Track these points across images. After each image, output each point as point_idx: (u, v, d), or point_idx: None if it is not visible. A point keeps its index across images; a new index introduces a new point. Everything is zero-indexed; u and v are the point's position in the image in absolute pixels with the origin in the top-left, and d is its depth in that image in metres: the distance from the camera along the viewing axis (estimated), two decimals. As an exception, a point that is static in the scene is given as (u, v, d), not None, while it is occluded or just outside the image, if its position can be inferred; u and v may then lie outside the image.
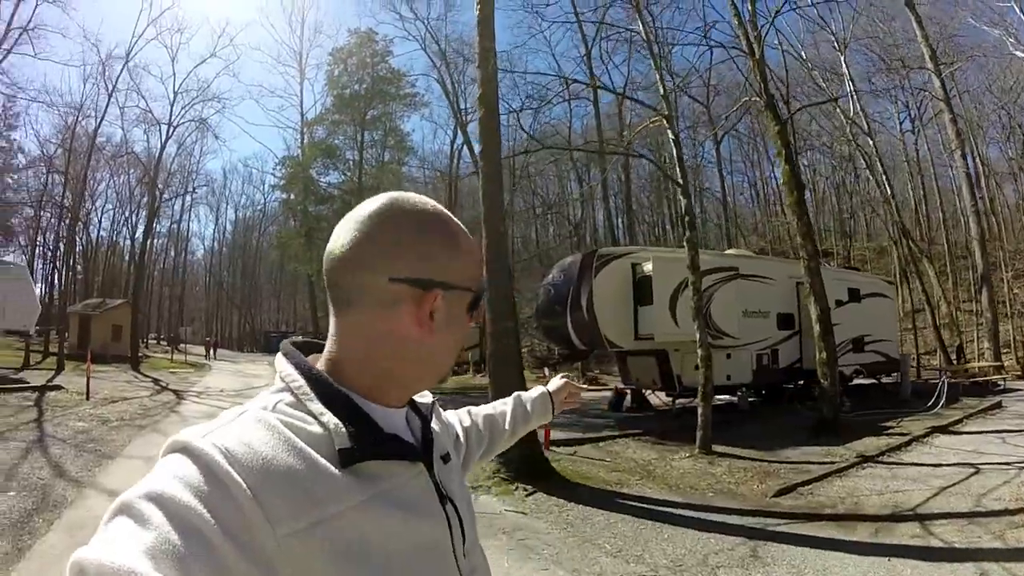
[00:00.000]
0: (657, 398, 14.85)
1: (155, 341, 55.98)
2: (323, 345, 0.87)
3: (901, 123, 35.14)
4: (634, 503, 7.10)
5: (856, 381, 16.82)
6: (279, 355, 0.85)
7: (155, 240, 55.37)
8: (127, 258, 53.13)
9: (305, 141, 31.18)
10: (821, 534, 5.97)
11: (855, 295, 16.65)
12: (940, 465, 8.73)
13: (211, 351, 43.73)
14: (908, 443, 10.25)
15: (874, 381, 17.81)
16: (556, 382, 1.67)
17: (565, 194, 50.57)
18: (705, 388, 9.78)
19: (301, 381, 0.78)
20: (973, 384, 18.18)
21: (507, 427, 1.46)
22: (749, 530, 6.09)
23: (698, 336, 9.97)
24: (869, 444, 10.19)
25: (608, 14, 16.82)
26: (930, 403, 13.79)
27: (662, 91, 11.30)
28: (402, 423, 0.87)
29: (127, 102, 34.48)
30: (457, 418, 1.32)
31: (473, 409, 1.43)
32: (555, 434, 10.08)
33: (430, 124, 58.48)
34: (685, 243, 10.39)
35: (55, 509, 6.11)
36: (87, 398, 14.50)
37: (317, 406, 0.75)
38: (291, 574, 0.63)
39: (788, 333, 15.22)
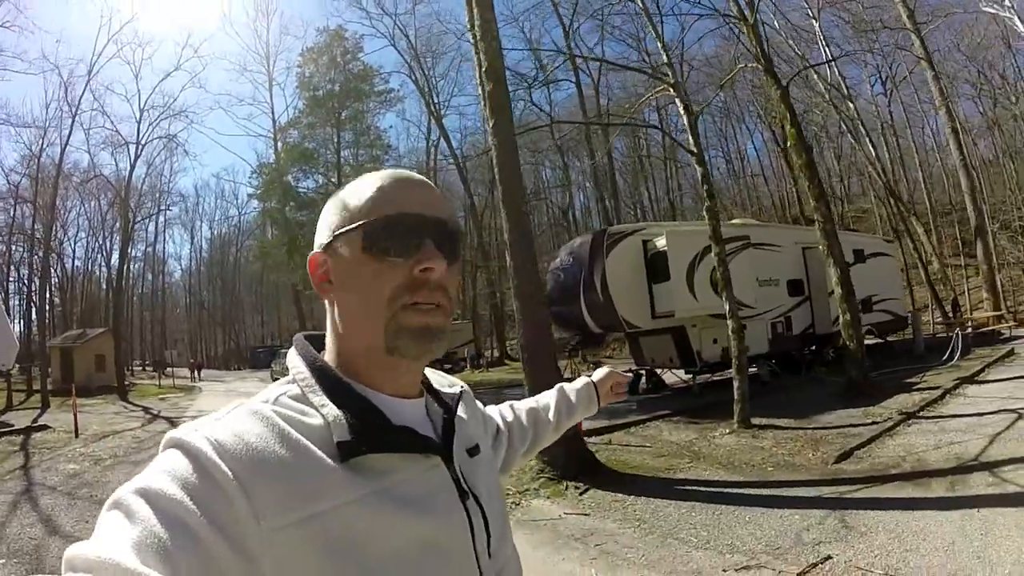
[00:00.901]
0: (675, 376, 14.49)
1: (140, 368, 54.98)
2: None
3: (872, 87, 35.23)
4: (697, 488, 6.70)
5: (866, 341, 16.63)
6: (291, 348, 0.85)
7: (131, 265, 54.32)
8: (104, 286, 51.59)
9: (279, 147, 30.29)
10: (900, 495, 5.78)
11: (860, 256, 16.47)
12: (982, 414, 8.60)
13: (195, 372, 42.67)
14: (942, 396, 10.16)
15: (880, 340, 17.61)
16: (601, 372, 1.60)
17: (541, 184, 50.24)
18: (740, 360, 9.45)
19: (306, 373, 0.78)
20: (978, 335, 18.22)
21: (551, 419, 1.40)
22: (827, 500, 5.80)
23: (727, 307, 9.62)
24: (904, 401, 10.07)
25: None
26: (945, 356, 13.94)
27: (666, 59, 10.86)
28: (418, 414, 0.85)
29: (92, 124, 33.32)
30: (499, 412, 1.29)
31: (516, 404, 1.38)
32: (583, 424, 9.66)
33: (403, 123, 57.94)
34: (705, 212, 10.02)
35: (51, 579, 5.41)
36: (76, 436, 13.57)
37: (319, 398, 0.74)
38: (277, 567, 0.61)
39: (799, 299, 14.99)
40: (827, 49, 27.54)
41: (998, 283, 22.48)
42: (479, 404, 1.09)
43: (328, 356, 0.83)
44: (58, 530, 6.67)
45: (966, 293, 26.12)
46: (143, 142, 31.89)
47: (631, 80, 35.68)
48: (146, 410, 20.67)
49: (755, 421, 9.42)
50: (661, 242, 12.21)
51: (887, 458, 7.11)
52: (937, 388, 10.67)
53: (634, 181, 48.74)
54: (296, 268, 27.84)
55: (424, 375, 0.92)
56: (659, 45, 11.09)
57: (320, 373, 0.78)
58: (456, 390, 0.96)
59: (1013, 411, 8.41)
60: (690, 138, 10.18)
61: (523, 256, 7.56)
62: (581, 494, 6.70)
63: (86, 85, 29.61)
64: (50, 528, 6.76)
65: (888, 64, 33.14)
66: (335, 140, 27.80)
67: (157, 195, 45.35)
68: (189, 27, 77.74)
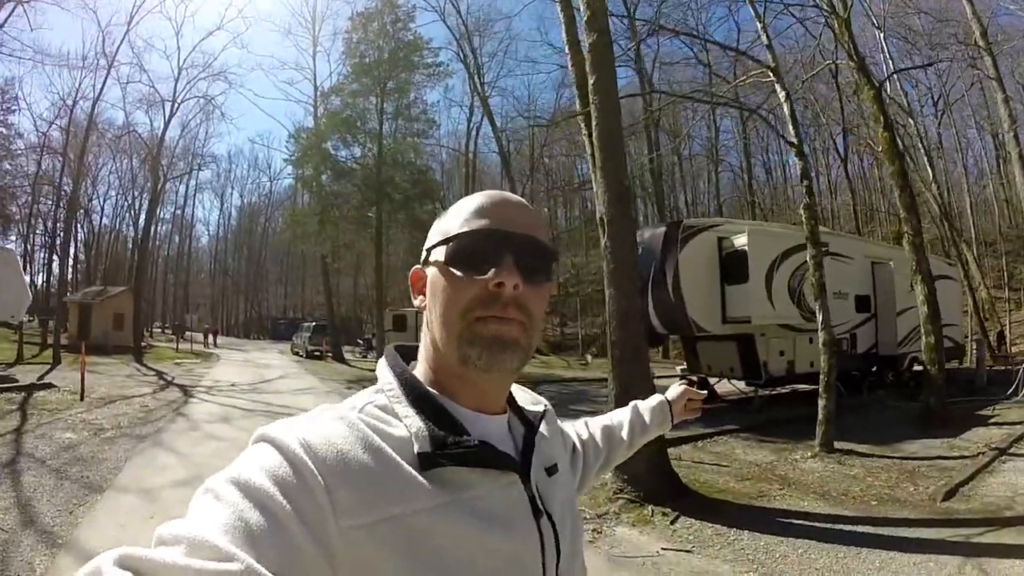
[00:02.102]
0: (732, 386, 13.55)
1: (160, 330, 54.67)
2: None
3: (923, 107, 34.13)
4: (802, 522, 5.88)
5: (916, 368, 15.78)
6: (381, 360, 0.88)
7: (159, 226, 54.16)
8: (131, 246, 50.81)
9: (320, 113, 29.26)
10: (1026, 541, 5.22)
11: (929, 277, 15.49)
12: (1075, 455, 8.04)
13: (208, 338, 41.82)
14: (1027, 433, 9.48)
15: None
16: (675, 390, 1.57)
17: (575, 176, 49.37)
18: (829, 378, 8.63)
19: (394, 384, 0.81)
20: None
21: (625, 438, 1.38)
22: (954, 545, 5.18)
23: (820, 317, 8.81)
24: (984, 435, 9.50)
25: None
26: (1011, 391, 13.13)
27: (766, 41, 9.99)
28: (500, 430, 0.86)
29: (129, 79, 32.75)
30: (574, 430, 1.28)
31: (590, 421, 1.37)
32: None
33: (445, 101, 56.42)
34: (803, 211, 9.17)
35: (15, 591, 4.32)
36: (81, 398, 12.73)
37: (404, 409, 0.77)
38: (349, 565, 0.63)
39: (865, 316, 14.04)
40: (891, 60, 26.51)
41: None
42: (560, 423, 1.09)
43: (418, 367, 0.87)
44: (35, 520, 5.54)
45: (1008, 326, 25.26)
46: (179, 100, 31.31)
47: (675, 78, 34.78)
48: (160, 375, 19.89)
49: (837, 445, 8.67)
50: (740, 240, 11.28)
51: (995, 498, 6.51)
52: (1019, 424, 9.95)
53: (671, 181, 47.87)
54: (326, 239, 27.11)
55: (509, 392, 0.92)
56: (758, 25, 10.17)
57: (406, 384, 0.81)
58: (540, 408, 0.97)
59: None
60: (790, 127, 9.30)
61: (623, 236, 6.62)
62: (671, 523, 5.80)
63: (124, 35, 29.05)
64: (26, 517, 5.62)
65: (942, 84, 32.13)
66: (378, 110, 26.48)
67: (190, 157, 44.57)
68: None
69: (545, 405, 1.00)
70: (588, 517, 5.83)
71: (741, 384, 13.12)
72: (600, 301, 37.82)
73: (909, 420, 10.69)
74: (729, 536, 5.41)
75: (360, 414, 0.75)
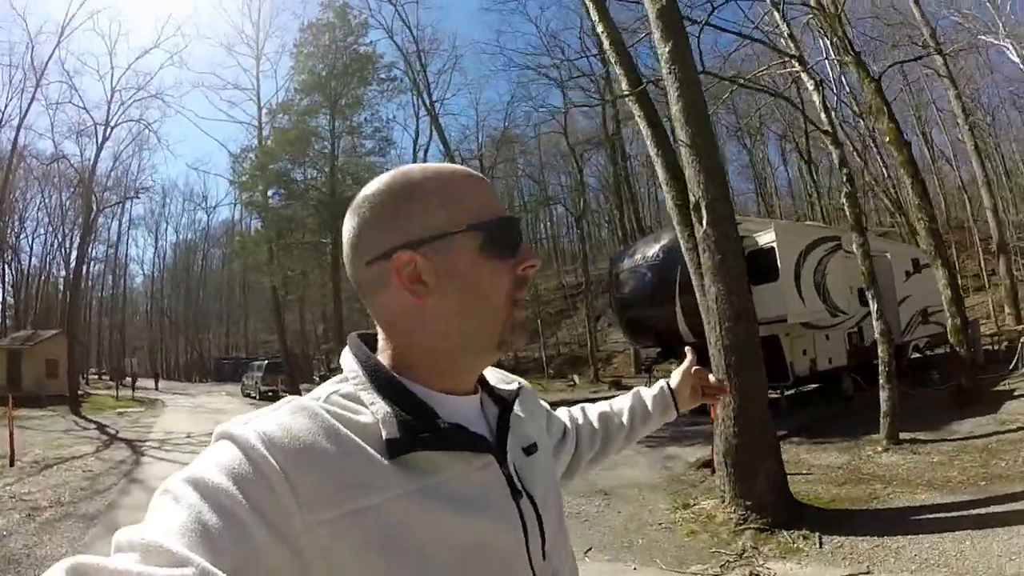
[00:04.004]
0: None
1: (96, 376, 50.94)
2: None
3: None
4: (935, 515, 5.56)
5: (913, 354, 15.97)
6: (345, 349, 0.84)
7: (91, 266, 50.94)
8: (62, 287, 47.40)
9: (268, 132, 27.54)
10: None
11: (916, 266, 15.64)
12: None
13: (140, 382, 38.50)
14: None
15: (920, 354, 16.71)
16: (677, 374, 1.40)
17: (514, 200, 49.40)
18: (889, 368, 8.31)
19: (358, 371, 0.78)
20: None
21: (624, 423, 1.30)
22: None
23: (874, 308, 8.59)
24: (1021, 407, 9.49)
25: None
26: (1012, 366, 13.38)
27: (787, 31, 9.70)
28: (472, 411, 0.83)
29: (59, 99, 30.63)
30: (568, 414, 1.26)
31: (588, 406, 1.33)
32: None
33: (390, 124, 54.56)
34: (844, 199, 8.89)
35: None
36: (11, 463, 10.52)
37: (370, 395, 0.74)
38: (319, 560, 0.61)
39: (867, 310, 13.95)
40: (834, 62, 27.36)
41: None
42: (544, 403, 1.08)
43: (382, 354, 0.81)
44: None
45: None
46: (112, 124, 28.99)
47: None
48: (101, 428, 17.54)
49: (900, 436, 8.38)
50: (765, 238, 10.85)
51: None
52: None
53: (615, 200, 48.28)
54: (278, 269, 25.41)
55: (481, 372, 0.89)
56: (776, 15, 9.87)
57: (373, 371, 0.77)
58: (514, 387, 0.93)
59: None
60: (822, 115, 8.97)
61: (726, 223, 5.93)
62: (819, 546, 4.99)
63: (54, 49, 27.13)
64: None
65: (886, 83, 33.24)
66: (331, 128, 25.11)
67: (123, 190, 41.89)
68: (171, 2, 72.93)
69: (520, 383, 0.96)
70: (730, 560, 4.95)
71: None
72: (553, 323, 37.78)
73: (939, 404, 10.61)
74: (889, 546, 4.82)
75: (324, 403, 0.72)
